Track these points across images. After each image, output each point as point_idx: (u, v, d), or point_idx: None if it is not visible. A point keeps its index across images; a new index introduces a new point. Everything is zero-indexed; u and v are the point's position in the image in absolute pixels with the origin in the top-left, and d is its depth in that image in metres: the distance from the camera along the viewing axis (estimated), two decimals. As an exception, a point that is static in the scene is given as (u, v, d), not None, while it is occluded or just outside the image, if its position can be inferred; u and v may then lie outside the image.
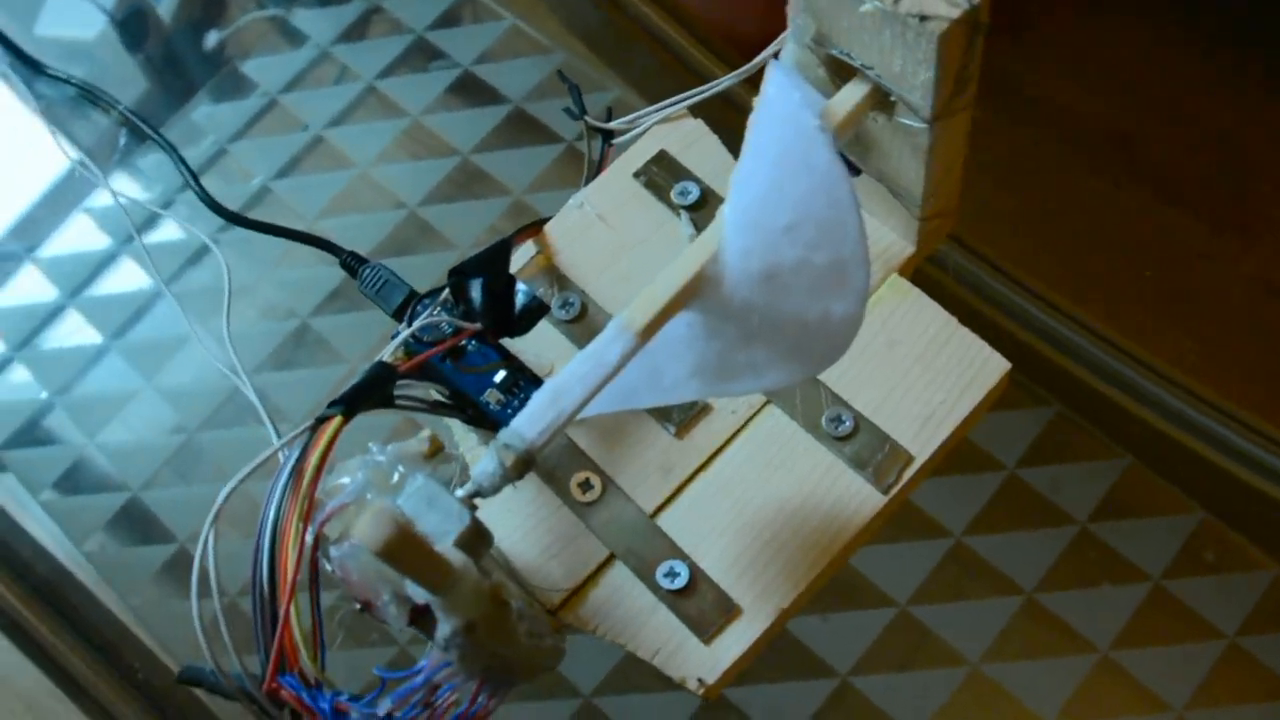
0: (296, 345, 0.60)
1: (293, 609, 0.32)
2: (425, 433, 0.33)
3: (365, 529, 0.25)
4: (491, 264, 0.40)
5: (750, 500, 0.40)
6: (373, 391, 0.37)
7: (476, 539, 0.31)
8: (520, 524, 0.40)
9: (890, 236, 0.42)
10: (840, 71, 0.37)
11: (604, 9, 0.65)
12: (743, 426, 0.41)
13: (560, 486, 0.40)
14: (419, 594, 0.29)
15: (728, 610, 0.38)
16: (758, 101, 0.34)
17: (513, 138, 0.63)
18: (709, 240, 0.33)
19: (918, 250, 0.42)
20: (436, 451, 0.33)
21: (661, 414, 0.41)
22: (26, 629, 0.55)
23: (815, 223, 0.32)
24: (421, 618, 0.30)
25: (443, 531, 0.30)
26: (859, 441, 0.40)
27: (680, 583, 0.38)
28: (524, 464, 0.32)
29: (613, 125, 0.46)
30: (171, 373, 0.61)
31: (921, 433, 0.40)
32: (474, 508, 0.32)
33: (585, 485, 0.40)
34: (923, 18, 0.32)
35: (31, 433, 0.60)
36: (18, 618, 0.55)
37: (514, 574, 0.39)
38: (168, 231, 0.64)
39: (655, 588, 0.39)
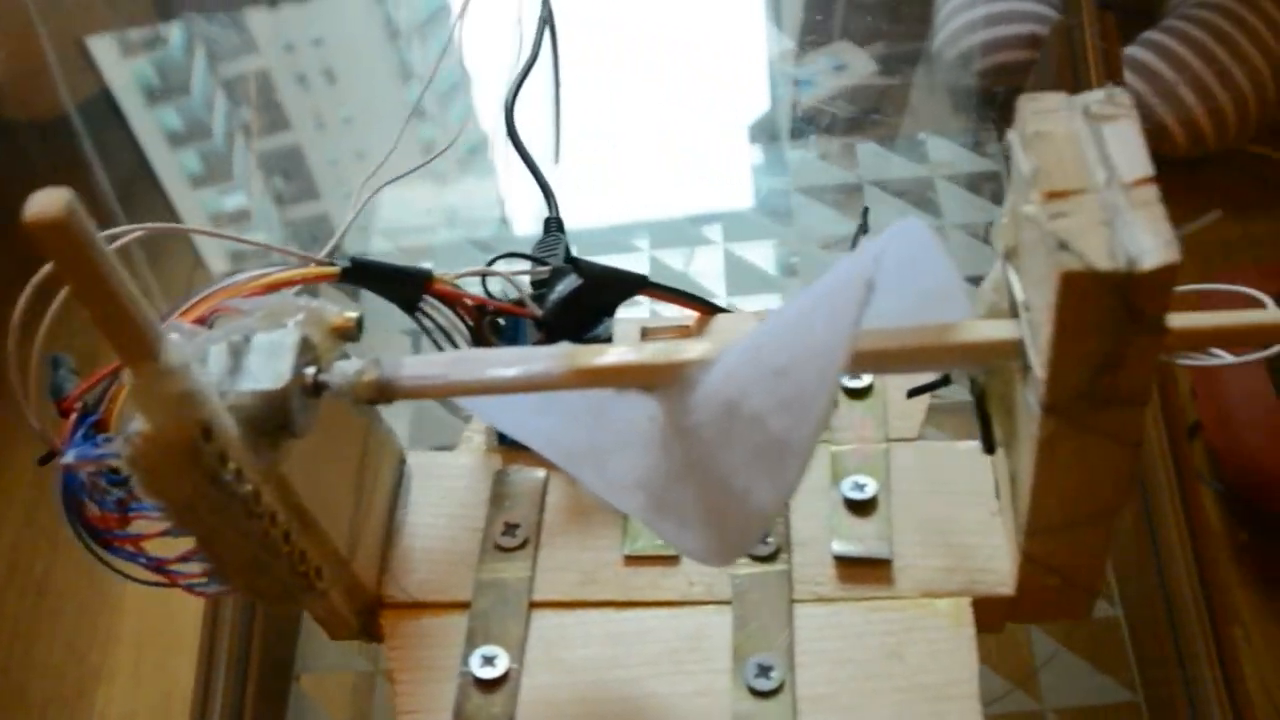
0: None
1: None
2: (354, 313, 0.30)
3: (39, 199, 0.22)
4: (606, 288, 0.36)
5: (621, 671, 0.32)
6: (397, 280, 0.34)
7: (262, 415, 0.27)
8: (441, 503, 0.36)
9: (1000, 558, 0.33)
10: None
11: None
12: (685, 604, 0.33)
13: (496, 510, 0.35)
14: None
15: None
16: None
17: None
18: (716, 343, 0.28)
19: (1018, 596, 0.32)
20: (344, 330, 0.30)
21: (634, 531, 0.35)
22: None
23: (796, 383, 0.25)
24: None
25: (247, 377, 0.27)
26: (769, 707, 0.31)
27: (489, 673, 0.32)
28: (374, 389, 0.28)
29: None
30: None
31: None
32: (306, 390, 0.28)
33: (512, 530, 0.35)
34: (1061, 244, 0.24)
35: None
36: None
37: (388, 541, 0.35)
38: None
39: (466, 662, 0.33)
